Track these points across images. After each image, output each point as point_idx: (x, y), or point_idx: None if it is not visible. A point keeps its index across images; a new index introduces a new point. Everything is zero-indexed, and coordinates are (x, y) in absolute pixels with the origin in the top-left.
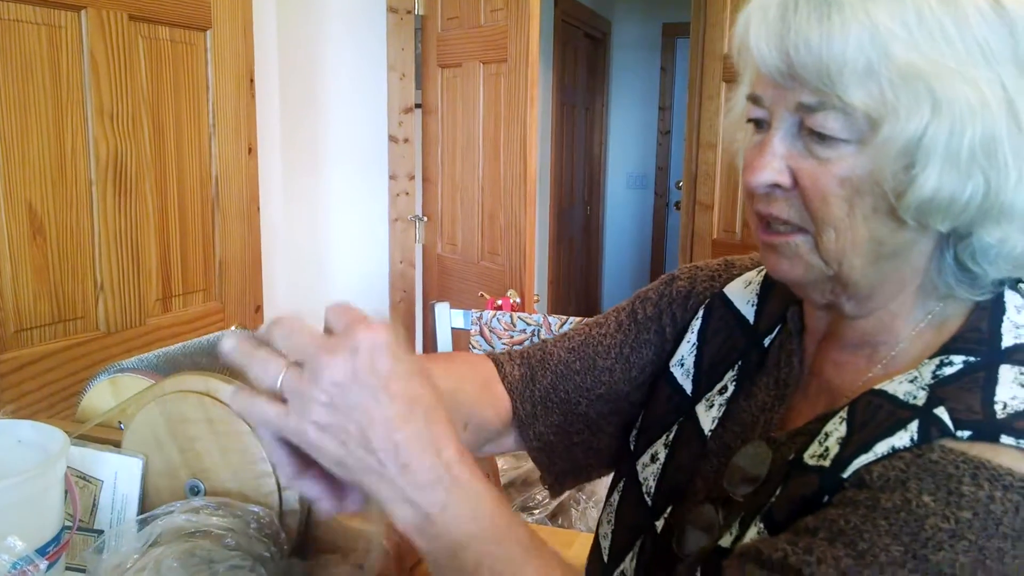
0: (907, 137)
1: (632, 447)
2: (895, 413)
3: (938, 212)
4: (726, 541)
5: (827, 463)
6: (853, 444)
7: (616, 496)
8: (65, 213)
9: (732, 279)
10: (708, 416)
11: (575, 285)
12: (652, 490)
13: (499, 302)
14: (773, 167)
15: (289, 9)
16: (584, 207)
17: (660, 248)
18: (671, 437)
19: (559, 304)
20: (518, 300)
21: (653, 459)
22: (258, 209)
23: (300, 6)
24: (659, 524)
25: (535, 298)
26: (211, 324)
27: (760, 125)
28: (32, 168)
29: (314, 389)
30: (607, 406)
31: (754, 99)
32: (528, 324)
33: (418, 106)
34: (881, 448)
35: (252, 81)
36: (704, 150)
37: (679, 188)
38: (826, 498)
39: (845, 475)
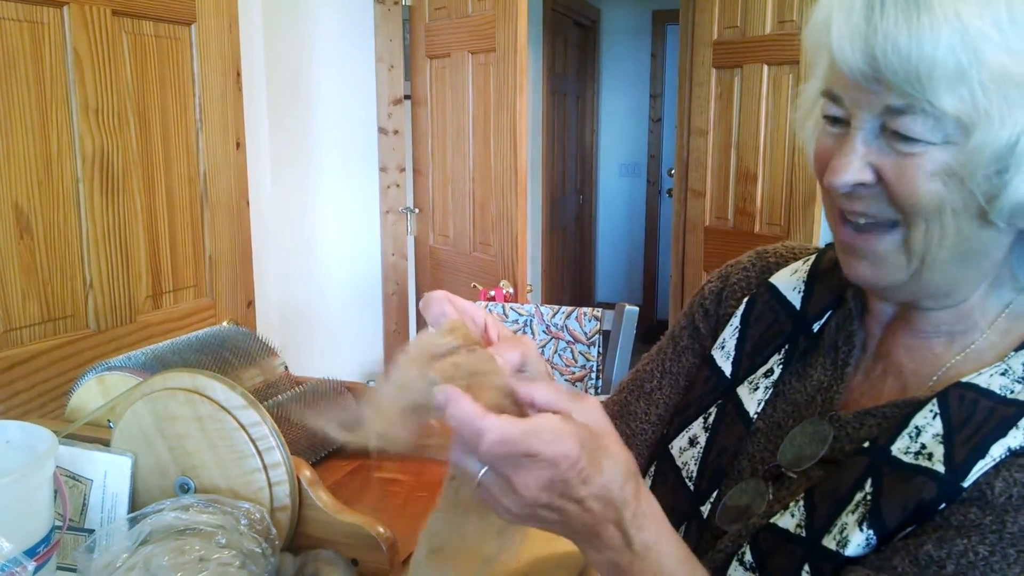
0: (1000, 143)
1: (664, 430)
2: (997, 410)
3: None
4: (787, 522)
5: (937, 466)
6: (962, 445)
7: (647, 480)
8: (52, 211)
9: (767, 267)
10: (753, 398)
11: (569, 274)
12: (694, 474)
13: (492, 293)
14: (855, 167)
15: (275, 1)
16: (577, 196)
17: (653, 236)
18: (711, 420)
19: (553, 293)
20: (511, 290)
21: (692, 442)
22: (247, 204)
23: None
24: (705, 509)
25: (528, 288)
26: (202, 320)
27: (836, 121)
28: (17, 166)
29: (509, 502)
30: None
31: (832, 97)
32: (520, 315)
33: (407, 97)
34: (997, 451)
35: (239, 75)
36: (695, 137)
37: (671, 175)
38: (943, 505)
39: (966, 484)
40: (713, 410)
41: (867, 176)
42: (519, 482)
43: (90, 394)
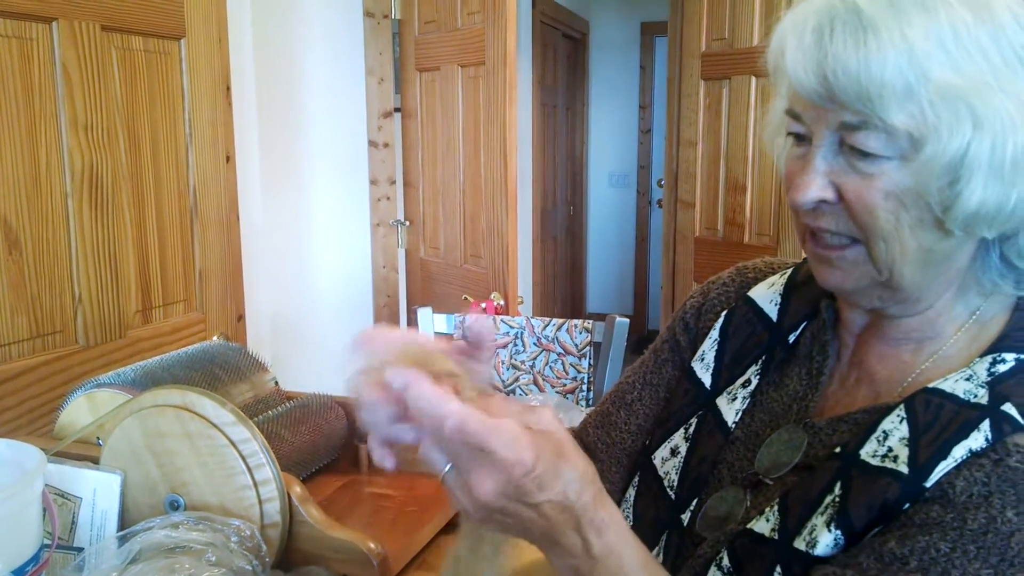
0: (950, 155)
1: (647, 441)
2: (961, 413)
3: (985, 222)
4: (762, 527)
5: (901, 467)
6: (926, 447)
7: (632, 491)
8: (41, 227)
9: (746, 282)
10: (731, 408)
11: (560, 285)
12: (675, 483)
13: (483, 305)
14: (817, 184)
15: (264, 15)
16: (567, 207)
17: (644, 246)
18: (691, 430)
19: (545, 304)
20: (502, 302)
21: (673, 452)
22: (238, 218)
23: (275, 12)
24: (685, 518)
25: (519, 300)
26: (193, 335)
27: (800, 138)
28: (6, 182)
29: (467, 501)
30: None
31: (793, 115)
32: (511, 327)
33: (397, 110)
34: (959, 452)
35: (229, 89)
36: (684, 148)
37: (661, 186)
38: (907, 505)
39: (928, 484)
40: (694, 421)
41: (829, 194)
42: (475, 484)
43: (79, 411)
